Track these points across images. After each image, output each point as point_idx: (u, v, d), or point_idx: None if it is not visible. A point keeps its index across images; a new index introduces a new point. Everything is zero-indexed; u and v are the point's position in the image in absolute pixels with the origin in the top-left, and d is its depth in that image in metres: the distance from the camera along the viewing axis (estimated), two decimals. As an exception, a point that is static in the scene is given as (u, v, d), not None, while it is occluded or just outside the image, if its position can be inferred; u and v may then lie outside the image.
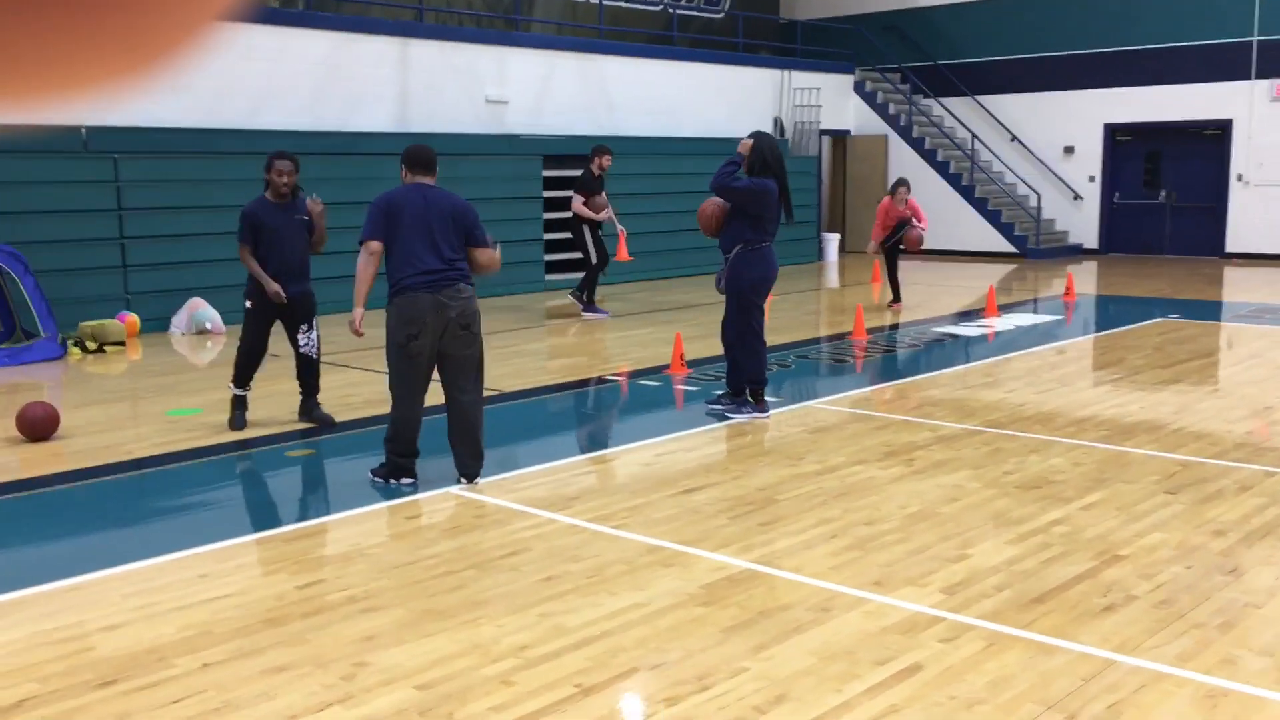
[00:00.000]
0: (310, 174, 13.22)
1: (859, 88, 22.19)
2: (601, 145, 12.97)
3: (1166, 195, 20.21)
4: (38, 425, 6.98)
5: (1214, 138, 19.47)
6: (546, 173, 15.85)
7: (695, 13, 21.57)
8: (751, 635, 3.87)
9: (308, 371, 7.20)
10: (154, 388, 8.87)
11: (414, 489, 5.71)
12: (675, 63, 18.75)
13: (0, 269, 10.47)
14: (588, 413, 8.13)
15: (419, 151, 5.85)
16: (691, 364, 9.22)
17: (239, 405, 7.19)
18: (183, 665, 3.73)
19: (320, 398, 7.33)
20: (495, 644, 3.85)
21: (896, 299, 13.11)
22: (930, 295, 14.41)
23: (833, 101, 21.33)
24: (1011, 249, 20.27)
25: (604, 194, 12.68)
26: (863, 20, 22.56)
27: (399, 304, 5.58)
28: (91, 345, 10.71)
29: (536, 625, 4.00)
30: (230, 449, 6.80)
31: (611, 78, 17.62)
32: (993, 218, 20.50)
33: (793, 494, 5.60)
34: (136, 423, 7.55)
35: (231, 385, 7.20)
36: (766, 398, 7.47)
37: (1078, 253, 20.78)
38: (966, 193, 20.77)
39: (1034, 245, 20.18)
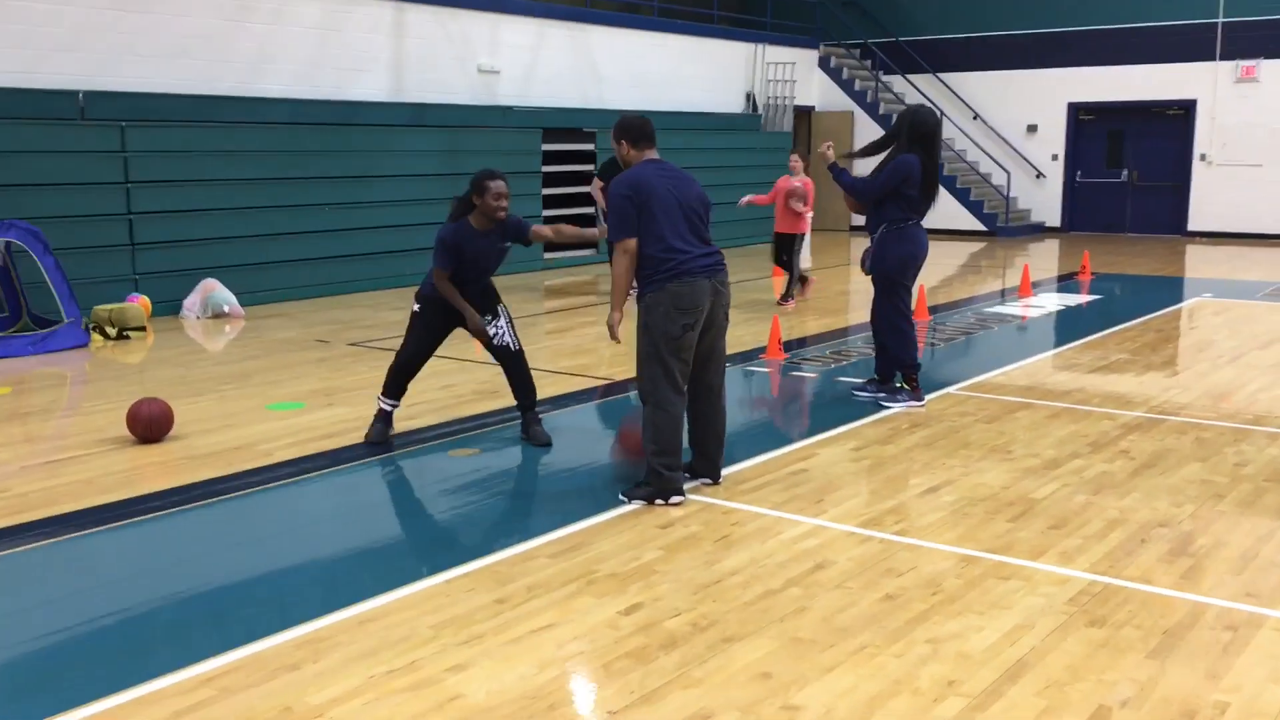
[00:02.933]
0: (305, 145, 12.56)
1: (824, 63, 22.03)
2: None
3: (1129, 174, 20.56)
4: (154, 424, 6.29)
5: (1177, 118, 19.85)
6: (545, 146, 15.27)
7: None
8: (1186, 661, 3.57)
9: (517, 371, 6.22)
10: (219, 379, 8.13)
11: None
12: (656, 34, 18.29)
13: (10, 247, 9.53)
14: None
15: (643, 124, 5.28)
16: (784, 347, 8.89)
17: (384, 419, 6.32)
18: (593, 717, 3.26)
19: (419, 391, 6.63)
20: (914, 679, 3.47)
21: (789, 295, 11.51)
22: (943, 275, 14.33)
23: (797, 77, 21.08)
24: (981, 227, 20.40)
25: None
26: (824, -6, 22.38)
27: (675, 290, 5.00)
28: (111, 331, 9.83)
29: (936, 655, 3.63)
30: (380, 449, 6.20)
31: (598, 48, 17.08)
32: (961, 196, 20.58)
33: (1046, 493, 5.31)
34: (243, 420, 6.86)
35: (381, 397, 6.32)
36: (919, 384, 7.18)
37: (1040, 231, 21.03)
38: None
39: (1003, 224, 20.35)
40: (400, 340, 6.40)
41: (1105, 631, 3.80)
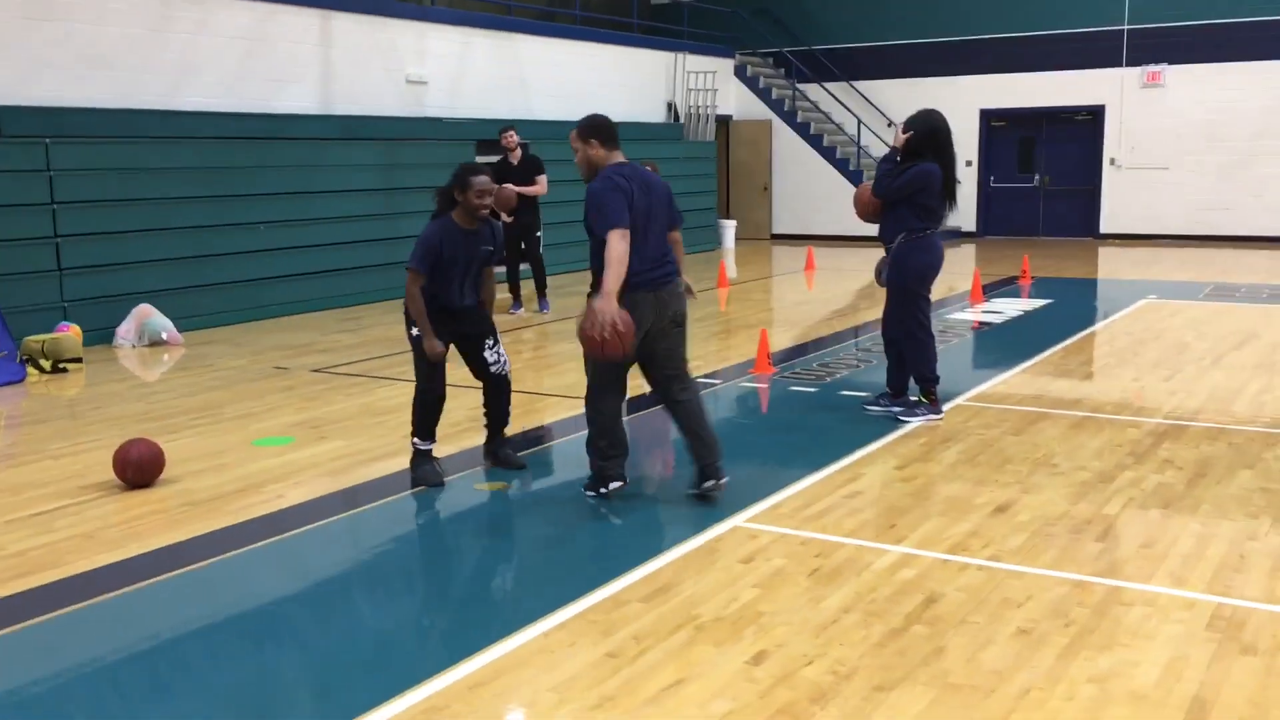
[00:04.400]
0: (235, 160, 11.93)
1: (740, 72, 22.00)
2: (507, 124, 12.36)
3: (1040, 179, 20.98)
4: (145, 468, 5.76)
5: (1086, 123, 20.32)
6: (479, 159, 14.82)
7: (574, -9, 20.74)
8: (1360, 685, 3.43)
9: (499, 399, 5.92)
10: (188, 412, 7.55)
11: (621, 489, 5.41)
12: (578, 43, 17.98)
13: (-68, 276, 8.77)
14: (744, 423, 7.36)
15: (609, 124, 5.20)
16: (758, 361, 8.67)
17: (427, 459, 5.84)
18: (775, 787, 2.95)
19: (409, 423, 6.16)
20: (1096, 721, 3.25)
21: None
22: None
23: (716, 86, 20.99)
24: (901, 232, 20.55)
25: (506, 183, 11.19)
26: (736, 3, 22.36)
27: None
28: (46, 364, 9.12)
29: (1108, 696, 3.42)
30: (400, 487, 5.77)
31: (524, 57, 16.71)
32: (881, 202, 20.69)
33: (1115, 509, 5.18)
34: (233, 458, 6.35)
35: (415, 440, 5.83)
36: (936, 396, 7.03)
37: (957, 236, 21.30)
38: (855, 178, 20.87)
39: (923, 228, 20.52)
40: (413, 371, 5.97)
41: (1263, 659, 3.64)
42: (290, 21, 13.08)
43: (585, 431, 5.52)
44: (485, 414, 6.06)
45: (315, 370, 8.99)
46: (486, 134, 15.10)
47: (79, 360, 9.36)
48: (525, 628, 3.97)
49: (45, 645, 3.97)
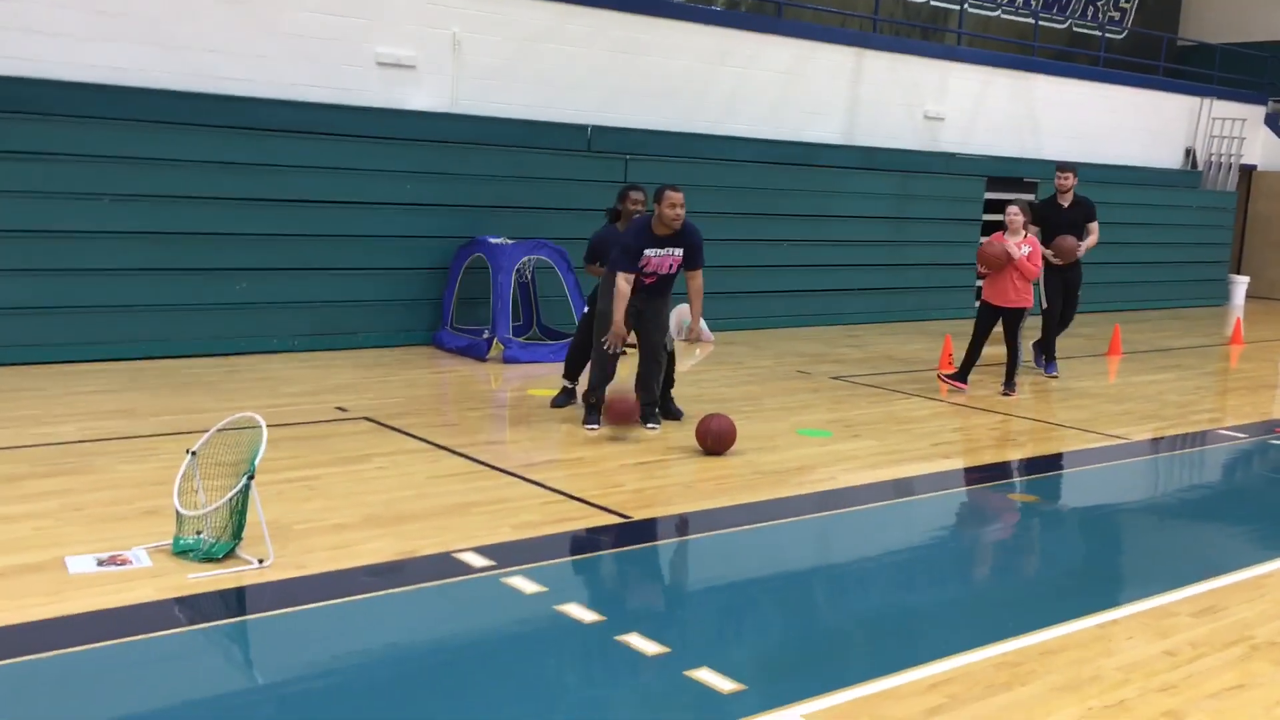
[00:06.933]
0: (768, 183, 13.12)
1: (1271, 120, 20.59)
2: (1065, 164, 10.72)
3: None
4: (723, 439, 6.81)
5: None
6: (988, 195, 15.19)
7: (1096, 31, 20.40)
8: None
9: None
10: (735, 400, 8.61)
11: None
12: (1097, 85, 17.76)
13: (532, 265, 10.55)
14: (1277, 477, 7.33)
15: None
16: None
17: (566, 395, 8.16)
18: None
19: (932, 432, 6.66)
20: None
21: (1008, 383, 9.29)
22: None
23: (1243, 134, 19.81)
24: None
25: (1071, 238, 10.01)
26: (1277, 47, 20.92)
27: None
28: (608, 345, 10.66)
29: None
30: (937, 486, 6.40)
31: (1039, 97, 16.80)
32: None
33: None
34: (783, 442, 7.26)
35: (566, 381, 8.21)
36: None
37: None
38: (1399, 241, 18.95)
39: None
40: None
41: None
42: (827, 58, 14.16)
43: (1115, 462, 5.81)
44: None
45: (834, 377, 9.84)
46: (995, 171, 15.43)
47: (633, 346, 10.83)
48: (1084, 616, 4.44)
49: (674, 563, 5.00)
